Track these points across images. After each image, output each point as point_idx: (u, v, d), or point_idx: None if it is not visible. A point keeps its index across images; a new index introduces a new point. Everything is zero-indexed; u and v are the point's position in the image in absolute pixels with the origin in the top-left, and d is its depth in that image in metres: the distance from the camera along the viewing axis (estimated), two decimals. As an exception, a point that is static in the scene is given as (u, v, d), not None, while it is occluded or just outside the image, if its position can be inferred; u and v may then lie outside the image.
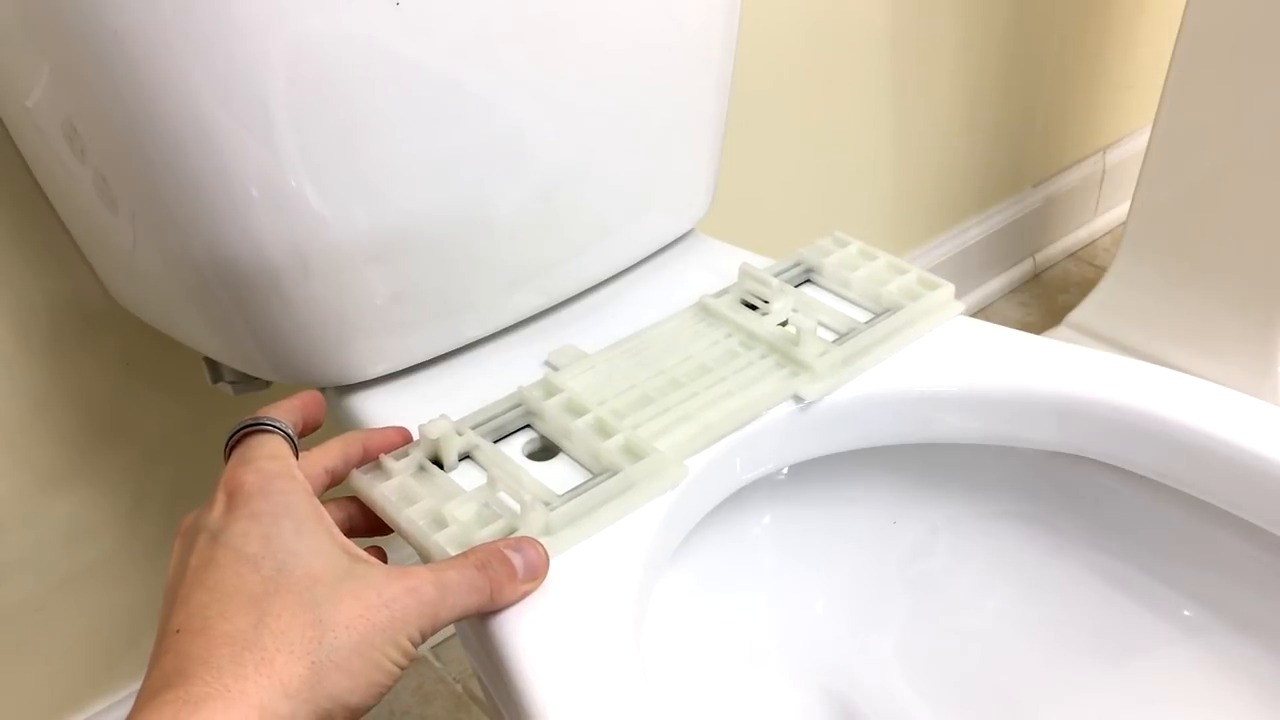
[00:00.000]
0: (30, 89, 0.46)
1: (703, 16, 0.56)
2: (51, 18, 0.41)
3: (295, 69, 0.43)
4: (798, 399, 0.50)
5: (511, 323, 0.58)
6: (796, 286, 0.57)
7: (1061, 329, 1.16)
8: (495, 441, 0.49)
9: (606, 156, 0.56)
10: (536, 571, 0.41)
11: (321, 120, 0.45)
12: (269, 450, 0.41)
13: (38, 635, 0.70)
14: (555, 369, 0.54)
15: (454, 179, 0.50)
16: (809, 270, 0.58)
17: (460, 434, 0.47)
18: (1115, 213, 1.41)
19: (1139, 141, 1.35)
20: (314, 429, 0.46)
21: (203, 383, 0.61)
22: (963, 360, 0.52)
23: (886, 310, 0.54)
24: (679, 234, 0.63)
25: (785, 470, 0.56)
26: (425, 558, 0.43)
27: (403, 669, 0.37)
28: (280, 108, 0.43)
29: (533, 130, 0.51)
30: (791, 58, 0.92)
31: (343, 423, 0.55)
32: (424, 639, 0.37)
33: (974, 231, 1.22)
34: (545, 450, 0.49)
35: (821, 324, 0.54)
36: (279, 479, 0.39)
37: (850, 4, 0.93)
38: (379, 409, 0.53)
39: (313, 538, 0.37)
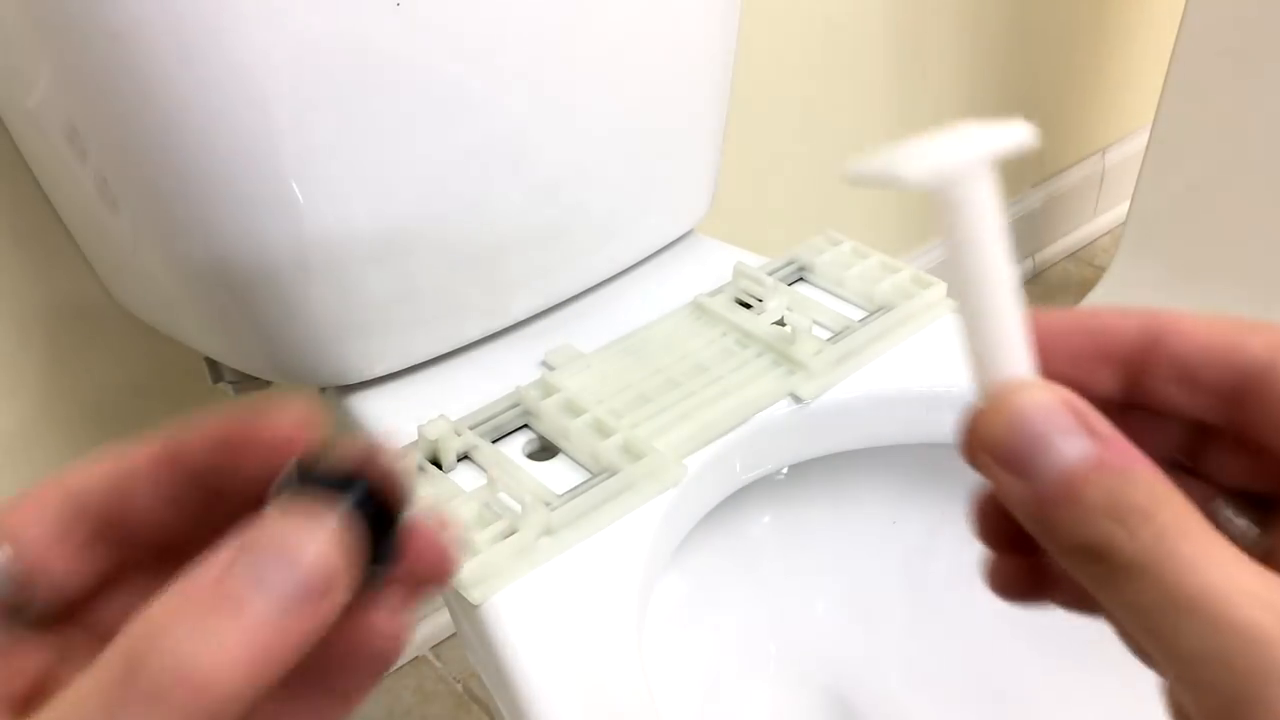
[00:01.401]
0: (31, 90, 0.46)
1: (702, 18, 0.56)
2: (52, 18, 0.41)
3: (295, 69, 0.43)
4: (794, 398, 0.50)
5: (512, 323, 0.58)
6: (790, 285, 0.57)
7: (1061, 329, 1.15)
8: (493, 441, 0.49)
9: (607, 158, 0.56)
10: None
11: (321, 121, 0.45)
12: None
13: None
14: (551, 369, 0.54)
15: (454, 180, 0.50)
16: (802, 269, 0.58)
17: (459, 434, 0.47)
18: (1115, 213, 1.40)
19: (1139, 141, 1.35)
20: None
21: (203, 383, 0.61)
22: (961, 359, 0.52)
23: (880, 308, 0.54)
24: (679, 234, 0.64)
25: (785, 470, 0.56)
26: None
27: None
28: (281, 108, 0.43)
29: (533, 132, 0.51)
30: (791, 58, 0.92)
31: (343, 423, 0.55)
32: None
33: (974, 232, 1.22)
34: (544, 450, 0.49)
35: (816, 322, 0.54)
36: None
37: (850, 4, 0.93)
38: (379, 409, 0.53)
39: None
